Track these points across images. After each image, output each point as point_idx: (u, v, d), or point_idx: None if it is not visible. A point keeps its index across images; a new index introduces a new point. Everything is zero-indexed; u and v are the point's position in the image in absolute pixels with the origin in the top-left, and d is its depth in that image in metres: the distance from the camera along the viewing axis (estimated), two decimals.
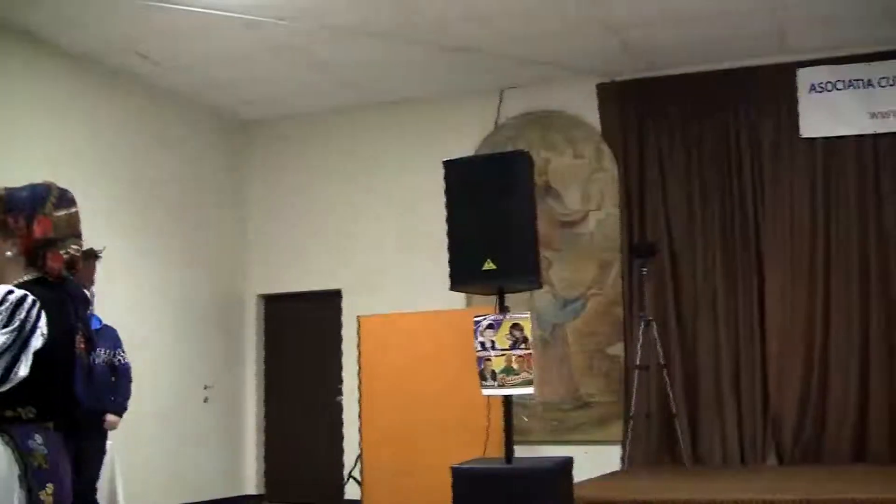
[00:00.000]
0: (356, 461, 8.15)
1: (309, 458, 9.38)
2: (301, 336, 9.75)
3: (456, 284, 5.17)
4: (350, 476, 8.33)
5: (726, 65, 8.35)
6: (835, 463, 7.58)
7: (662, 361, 7.95)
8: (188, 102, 9.16)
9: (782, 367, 7.98)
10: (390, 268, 9.14)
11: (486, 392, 5.04)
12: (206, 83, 8.77)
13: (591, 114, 8.80)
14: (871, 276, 7.89)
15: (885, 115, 8.01)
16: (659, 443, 8.10)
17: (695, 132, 8.48)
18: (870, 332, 7.84)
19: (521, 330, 5.03)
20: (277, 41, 7.74)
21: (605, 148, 8.71)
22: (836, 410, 7.80)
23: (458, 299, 7.79)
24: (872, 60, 8.07)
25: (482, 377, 4.99)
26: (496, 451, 5.44)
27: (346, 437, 9.04)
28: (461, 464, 4.90)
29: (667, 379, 7.94)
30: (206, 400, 9.08)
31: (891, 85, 8.01)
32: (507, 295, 5.22)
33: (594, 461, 7.49)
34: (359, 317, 8.15)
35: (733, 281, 8.23)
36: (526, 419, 8.38)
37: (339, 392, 9.14)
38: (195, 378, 9.02)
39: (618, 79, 8.69)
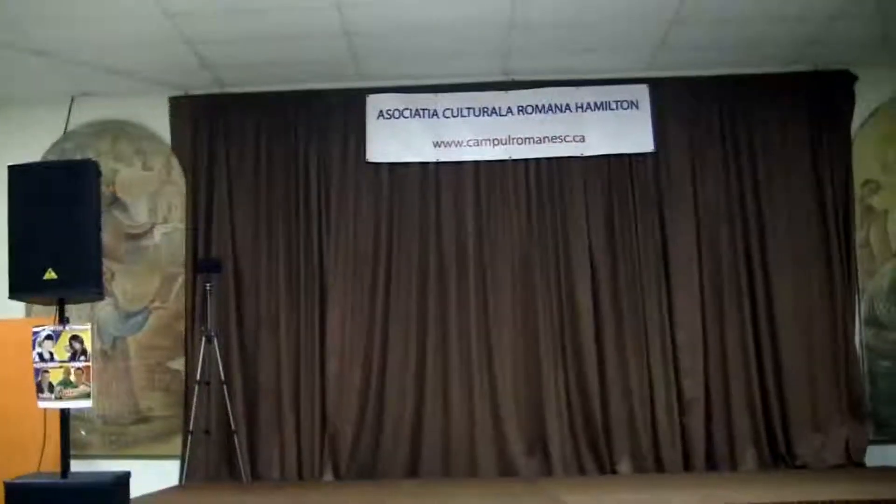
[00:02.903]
0: None
1: None
2: None
3: (15, 293, 5.00)
4: None
5: (300, 86, 8.56)
6: (388, 477, 7.95)
7: (223, 377, 7.98)
8: None
9: (341, 385, 8.23)
10: None
11: (42, 405, 4.90)
12: None
13: (162, 126, 8.69)
14: (428, 294, 8.38)
15: (447, 144, 8.55)
16: (218, 458, 8.08)
17: (264, 151, 8.59)
18: (427, 348, 8.28)
19: (81, 342, 4.96)
20: None
21: (175, 161, 8.64)
22: (391, 428, 8.16)
23: (18, 308, 7.44)
24: (439, 91, 8.61)
25: (39, 389, 4.86)
26: (53, 465, 5.25)
27: None
28: (15, 479, 4.71)
29: (227, 395, 7.97)
30: None
31: (454, 116, 8.58)
32: (68, 306, 5.10)
33: (153, 476, 7.42)
34: None
35: (296, 300, 8.39)
36: (84, 433, 8.09)
37: None
38: None
39: (191, 93, 8.67)
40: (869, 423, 8.19)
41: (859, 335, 8.36)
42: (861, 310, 8.40)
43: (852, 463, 8.01)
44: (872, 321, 8.39)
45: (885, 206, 8.51)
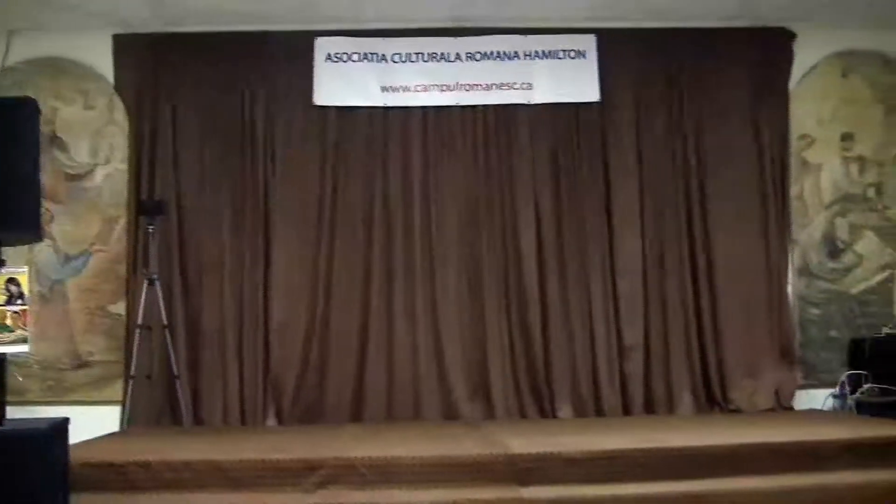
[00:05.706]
0: None
1: None
2: None
3: None
4: None
5: (248, 27, 8.43)
6: (332, 422, 7.99)
7: (166, 322, 7.93)
8: None
9: (284, 329, 8.25)
10: None
11: None
12: None
13: (105, 65, 8.53)
14: (374, 238, 8.39)
15: (395, 89, 8.54)
16: (160, 404, 8.06)
17: (211, 93, 8.49)
18: (371, 293, 8.32)
19: (18, 285, 4.91)
20: None
21: (118, 101, 8.51)
22: (335, 372, 8.21)
23: None
24: (388, 36, 8.57)
25: None
26: None
27: None
28: None
29: (169, 340, 7.92)
30: None
31: (402, 61, 8.56)
32: (4, 248, 5.01)
33: (93, 422, 7.36)
34: None
35: (240, 244, 8.35)
36: (20, 378, 8.00)
37: None
38: None
39: (136, 31, 8.50)
40: (798, 369, 8.48)
41: (792, 285, 8.64)
42: (794, 260, 8.66)
43: (781, 407, 8.32)
44: (804, 271, 8.68)
45: (818, 161, 8.76)
